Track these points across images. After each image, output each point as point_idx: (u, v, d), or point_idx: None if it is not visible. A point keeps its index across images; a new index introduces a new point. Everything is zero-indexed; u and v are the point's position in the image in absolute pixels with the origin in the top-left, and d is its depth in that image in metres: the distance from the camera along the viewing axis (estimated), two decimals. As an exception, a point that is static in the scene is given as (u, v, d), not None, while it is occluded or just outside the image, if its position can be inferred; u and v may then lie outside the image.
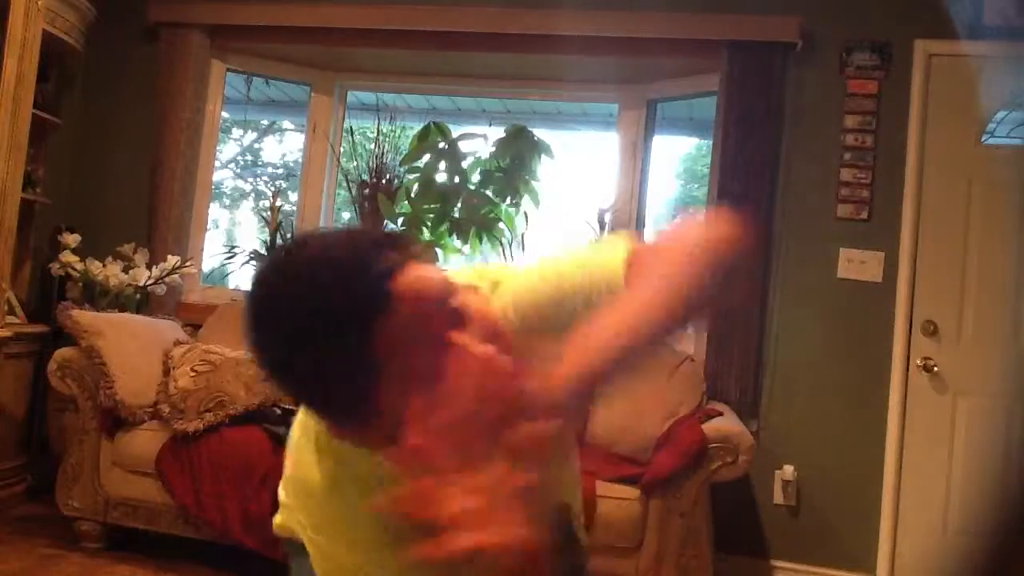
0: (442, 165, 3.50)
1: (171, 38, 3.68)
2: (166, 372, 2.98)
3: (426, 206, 3.48)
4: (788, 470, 3.16)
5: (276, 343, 0.79)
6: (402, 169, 3.66)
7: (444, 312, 0.78)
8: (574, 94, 3.99)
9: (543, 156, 3.52)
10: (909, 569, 3.07)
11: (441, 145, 3.49)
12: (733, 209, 1.03)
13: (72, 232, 3.50)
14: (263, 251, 3.74)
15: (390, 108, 4.07)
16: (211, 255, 4.06)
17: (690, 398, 2.94)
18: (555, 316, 0.95)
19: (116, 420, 2.87)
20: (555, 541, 1.03)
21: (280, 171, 7.36)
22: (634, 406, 2.87)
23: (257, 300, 0.81)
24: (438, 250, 3.51)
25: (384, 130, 3.84)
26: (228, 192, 7.42)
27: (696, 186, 6.48)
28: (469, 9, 3.50)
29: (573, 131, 5.05)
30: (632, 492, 2.58)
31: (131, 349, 2.97)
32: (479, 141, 3.55)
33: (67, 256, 3.39)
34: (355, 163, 4.06)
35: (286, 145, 7.58)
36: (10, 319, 3.20)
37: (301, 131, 4.43)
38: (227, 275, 4.28)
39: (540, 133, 3.57)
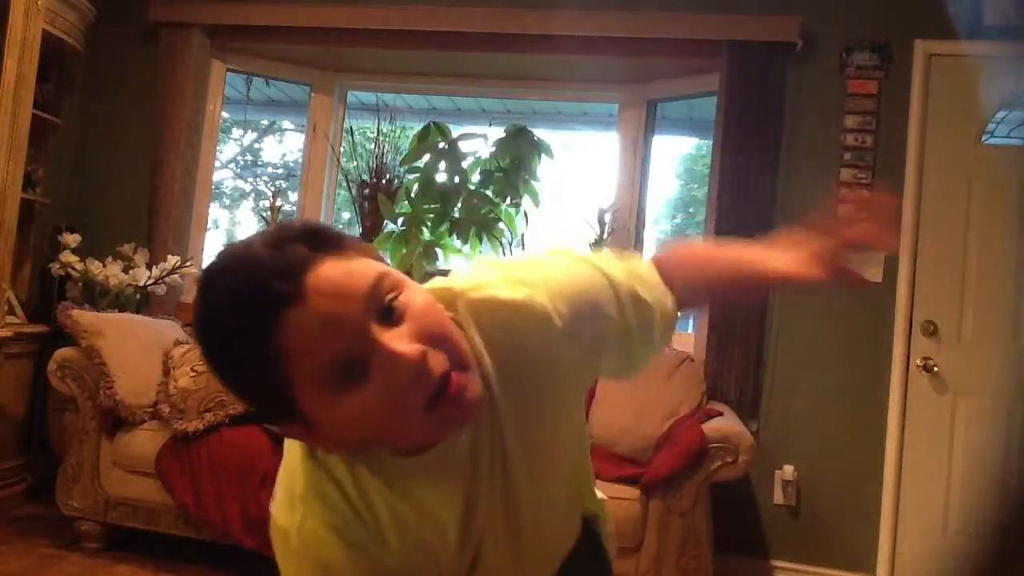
0: (442, 165, 3.49)
1: (171, 38, 3.68)
2: (166, 372, 2.98)
3: (426, 206, 3.48)
4: (788, 470, 3.16)
5: (199, 330, 0.77)
6: (402, 169, 3.66)
7: (368, 309, 0.74)
8: (574, 94, 3.99)
9: (543, 156, 3.52)
10: (909, 569, 3.07)
11: (441, 145, 3.48)
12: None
13: (72, 232, 3.50)
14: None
15: (390, 108, 4.07)
16: (211, 255, 4.05)
17: (690, 398, 2.94)
18: (593, 305, 0.93)
19: (116, 420, 2.87)
20: (585, 551, 1.06)
21: (280, 171, 7.37)
22: (634, 406, 2.88)
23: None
24: (438, 250, 3.51)
25: (384, 130, 3.84)
26: (228, 192, 7.42)
27: (696, 186, 6.48)
28: (469, 9, 3.50)
29: (573, 131, 5.05)
30: (632, 492, 2.58)
31: (131, 349, 2.97)
32: (479, 141, 3.55)
33: (67, 256, 3.39)
34: (355, 163, 4.06)
35: (286, 145, 7.59)
36: (10, 319, 3.20)
37: (301, 131, 4.43)
38: (227, 275, 4.27)
39: (540, 133, 3.56)
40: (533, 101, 4.26)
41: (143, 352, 3.00)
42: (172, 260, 3.43)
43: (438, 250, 3.51)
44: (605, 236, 3.44)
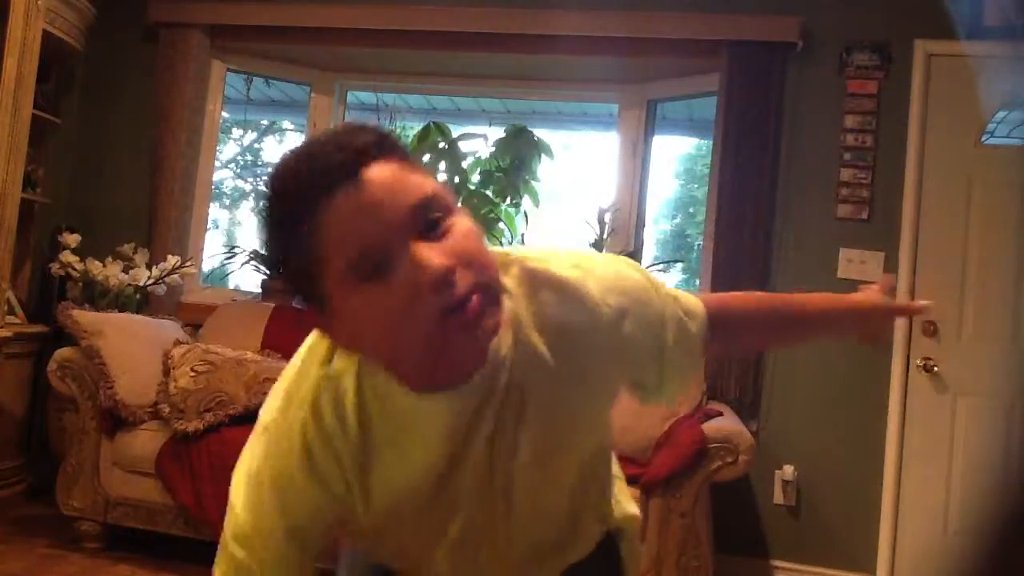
0: (442, 165, 3.50)
1: (171, 38, 3.68)
2: (166, 372, 2.98)
3: (426, 206, 3.49)
4: (788, 470, 3.16)
5: (266, 190, 0.79)
6: (402, 169, 3.66)
7: (413, 215, 0.74)
8: (574, 94, 3.99)
9: (543, 156, 3.52)
10: (909, 569, 3.07)
11: (441, 145, 3.49)
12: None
13: (72, 232, 3.50)
14: (263, 251, 3.73)
15: (390, 108, 4.07)
16: (211, 255, 4.06)
17: (690, 398, 2.94)
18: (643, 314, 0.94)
19: (116, 420, 2.87)
20: (596, 566, 1.05)
21: (280, 171, 7.35)
22: (634, 406, 2.87)
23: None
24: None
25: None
26: (228, 192, 7.42)
27: (696, 186, 6.48)
28: (469, 9, 3.50)
29: (573, 131, 5.05)
30: (632, 492, 2.57)
31: (131, 349, 2.97)
32: (479, 141, 3.55)
33: (67, 256, 3.39)
34: (355, 163, 4.06)
35: (286, 145, 7.58)
36: (10, 319, 3.20)
37: (301, 131, 4.43)
38: (227, 275, 4.28)
39: (540, 133, 3.57)
40: (533, 101, 4.26)
41: (143, 352, 3.00)
42: (172, 260, 3.43)
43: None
44: (605, 236, 3.44)
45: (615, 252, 3.46)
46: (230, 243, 5.46)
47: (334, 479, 0.86)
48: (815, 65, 3.26)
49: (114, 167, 3.82)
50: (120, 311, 3.24)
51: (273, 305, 3.52)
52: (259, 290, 3.75)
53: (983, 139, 3.18)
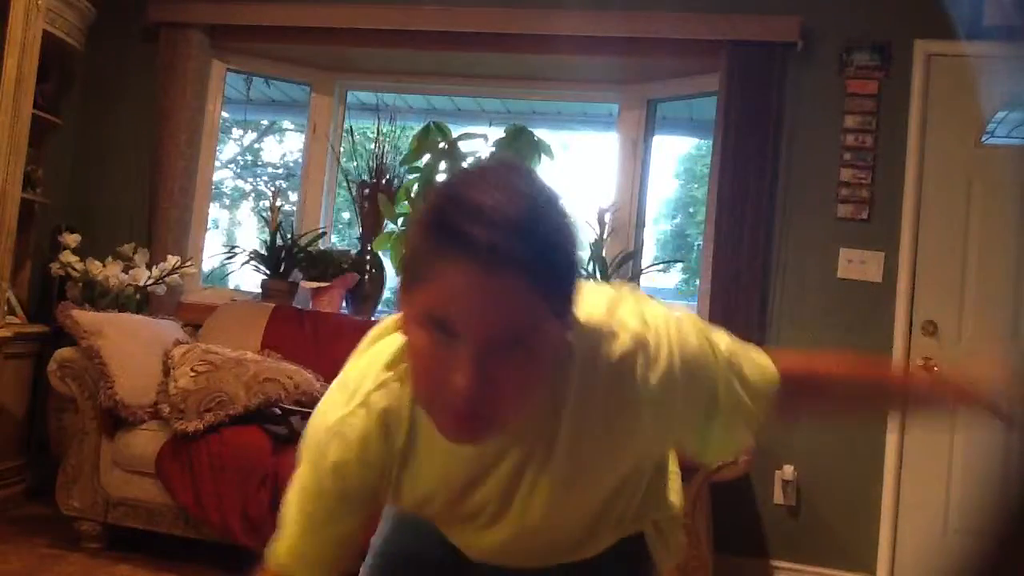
0: (442, 165, 3.49)
1: (171, 38, 3.68)
2: (166, 372, 2.97)
3: (426, 206, 3.48)
4: (788, 470, 3.16)
5: (440, 186, 0.86)
6: (402, 169, 3.66)
7: (491, 331, 0.79)
8: (574, 94, 3.99)
9: (543, 156, 3.51)
10: (909, 569, 3.07)
11: (441, 145, 3.48)
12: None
13: (72, 232, 3.50)
14: (263, 251, 3.74)
15: (390, 108, 4.06)
16: (211, 255, 4.06)
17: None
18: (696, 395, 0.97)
19: (116, 420, 2.87)
20: (614, 557, 1.11)
21: (280, 171, 7.37)
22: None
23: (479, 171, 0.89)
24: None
25: (384, 130, 3.84)
26: (228, 192, 7.42)
27: (696, 186, 6.48)
28: (469, 9, 3.50)
29: (573, 131, 5.05)
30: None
31: (131, 349, 2.97)
32: (479, 141, 3.54)
33: (67, 256, 3.39)
34: (355, 163, 4.06)
35: (286, 145, 7.58)
36: (10, 319, 3.20)
37: (301, 131, 4.43)
38: (227, 275, 4.28)
39: (540, 133, 3.56)
40: (533, 101, 4.26)
41: (143, 352, 3.00)
42: (172, 260, 3.42)
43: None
44: (605, 236, 3.44)
45: (615, 252, 3.47)
46: (230, 243, 5.46)
47: (380, 466, 0.96)
48: (815, 65, 3.26)
49: (114, 167, 3.82)
50: (120, 311, 3.24)
51: (273, 305, 3.53)
52: (259, 290, 3.75)
53: (983, 139, 3.18)
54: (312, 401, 2.93)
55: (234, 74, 4.04)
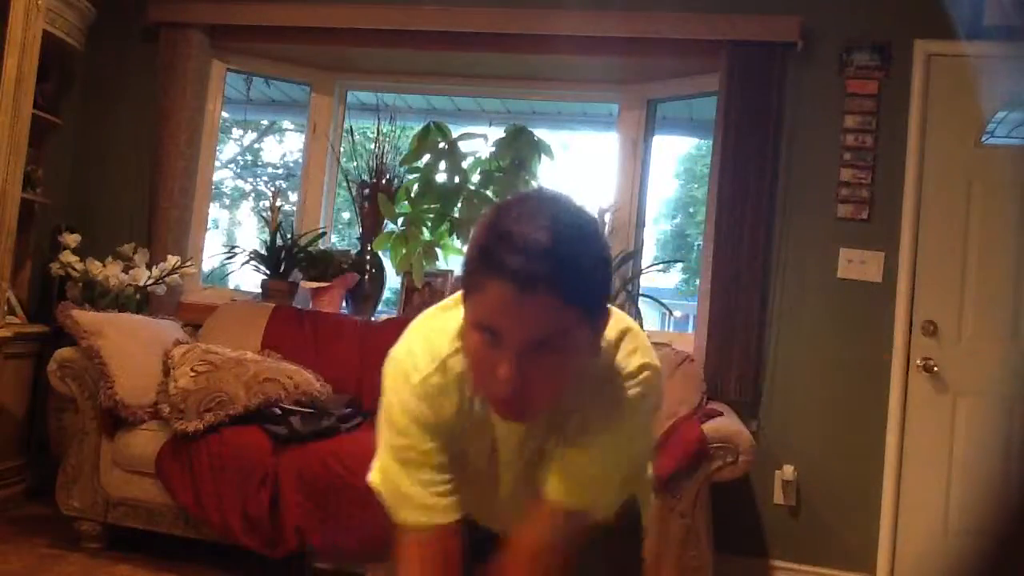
0: (442, 165, 3.49)
1: (171, 38, 3.68)
2: (166, 372, 2.97)
3: (426, 206, 3.48)
4: (788, 470, 3.16)
5: (489, 218, 1.02)
6: (402, 169, 3.66)
7: (530, 338, 0.98)
8: (574, 94, 3.99)
9: (543, 156, 3.51)
10: (909, 569, 3.07)
11: (441, 145, 3.48)
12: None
13: (72, 232, 3.50)
14: (263, 251, 3.74)
15: (390, 108, 4.06)
16: (211, 255, 4.06)
17: (690, 398, 2.94)
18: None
19: (116, 420, 2.87)
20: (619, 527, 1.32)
21: (280, 171, 7.38)
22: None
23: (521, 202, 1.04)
24: (438, 250, 3.50)
25: (384, 130, 3.84)
26: (228, 192, 7.43)
27: (696, 186, 6.49)
28: (469, 9, 3.50)
29: (573, 131, 5.05)
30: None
31: (131, 349, 2.97)
32: (479, 141, 3.54)
33: (67, 256, 3.39)
34: (355, 163, 4.06)
35: (286, 145, 7.59)
36: (10, 319, 3.20)
37: (301, 131, 4.43)
38: (227, 275, 4.28)
39: (540, 133, 3.56)
40: (533, 101, 4.26)
41: (143, 352, 3.00)
42: (172, 260, 3.43)
43: (438, 250, 3.51)
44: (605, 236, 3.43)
45: (615, 252, 3.47)
46: (230, 243, 5.47)
47: (438, 413, 1.15)
48: (815, 65, 3.26)
49: (114, 167, 3.82)
50: (120, 311, 3.24)
51: (273, 305, 3.53)
52: (259, 290, 3.75)
53: (983, 139, 3.18)
54: (312, 401, 2.93)
55: (234, 74, 4.04)
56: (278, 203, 3.78)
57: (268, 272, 3.69)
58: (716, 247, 3.23)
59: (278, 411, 2.83)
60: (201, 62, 3.71)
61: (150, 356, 3.01)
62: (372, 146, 3.84)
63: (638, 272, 3.60)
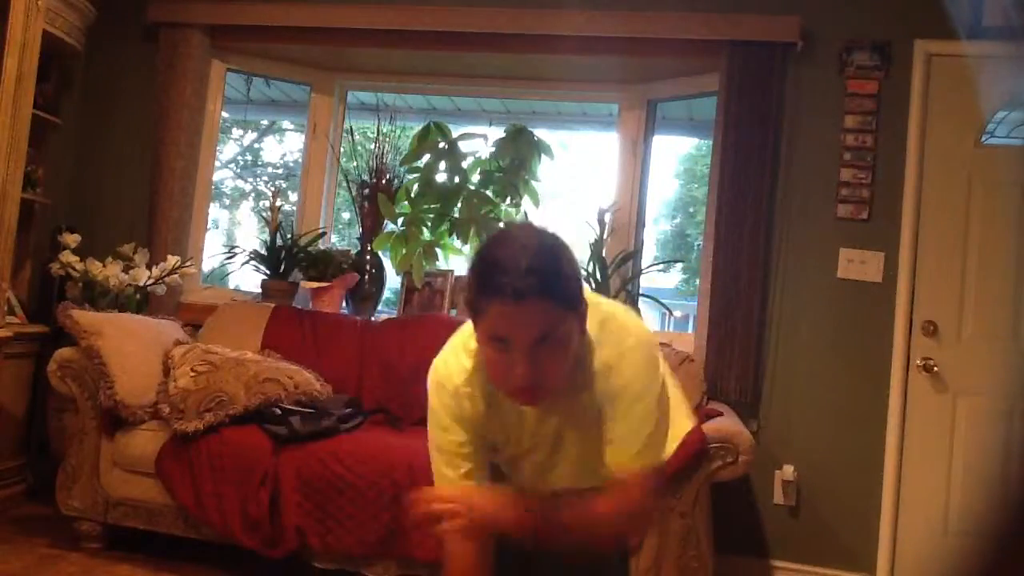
0: (442, 165, 3.49)
1: (171, 38, 3.68)
2: (166, 372, 2.98)
3: (426, 206, 3.48)
4: (788, 470, 3.16)
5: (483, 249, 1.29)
6: (402, 169, 3.66)
7: (532, 338, 1.23)
8: (574, 94, 3.99)
9: (543, 156, 3.51)
10: (909, 569, 3.07)
11: (441, 145, 3.48)
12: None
13: (72, 232, 3.50)
14: (263, 251, 3.74)
15: (390, 108, 4.06)
16: (211, 255, 4.06)
17: (690, 398, 2.93)
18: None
19: (116, 420, 2.87)
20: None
21: (280, 171, 7.38)
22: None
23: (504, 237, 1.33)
24: (438, 250, 3.51)
25: (384, 130, 3.84)
26: (228, 192, 7.43)
27: (696, 186, 6.49)
28: (469, 9, 3.50)
29: (573, 131, 5.05)
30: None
31: (131, 349, 2.97)
32: (479, 141, 3.54)
33: (67, 256, 3.39)
34: (355, 163, 4.06)
35: (286, 145, 7.59)
36: (10, 319, 3.20)
37: (301, 131, 4.43)
38: (227, 275, 4.28)
39: (540, 133, 3.56)
40: (533, 101, 4.25)
41: (143, 352, 3.00)
42: (172, 260, 3.42)
43: (438, 250, 3.51)
44: (605, 236, 3.44)
45: (615, 252, 3.48)
46: (230, 243, 5.47)
47: (466, 407, 1.39)
48: (815, 65, 3.26)
49: (114, 167, 3.82)
50: (120, 311, 3.24)
51: (273, 305, 3.53)
52: (259, 290, 3.75)
53: (983, 139, 3.18)
54: (312, 401, 2.93)
55: (234, 74, 4.04)
56: (278, 203, 3.78)
57: (268, 272, 3.69)
58: (716, 247, 3.23)
59: (278, 411, 2.83)
60: (201, 62, 3.71)
61: (150, 356, 3.01)
62: (372, 146, 3.84)
63: (638, 272, 3.60)
